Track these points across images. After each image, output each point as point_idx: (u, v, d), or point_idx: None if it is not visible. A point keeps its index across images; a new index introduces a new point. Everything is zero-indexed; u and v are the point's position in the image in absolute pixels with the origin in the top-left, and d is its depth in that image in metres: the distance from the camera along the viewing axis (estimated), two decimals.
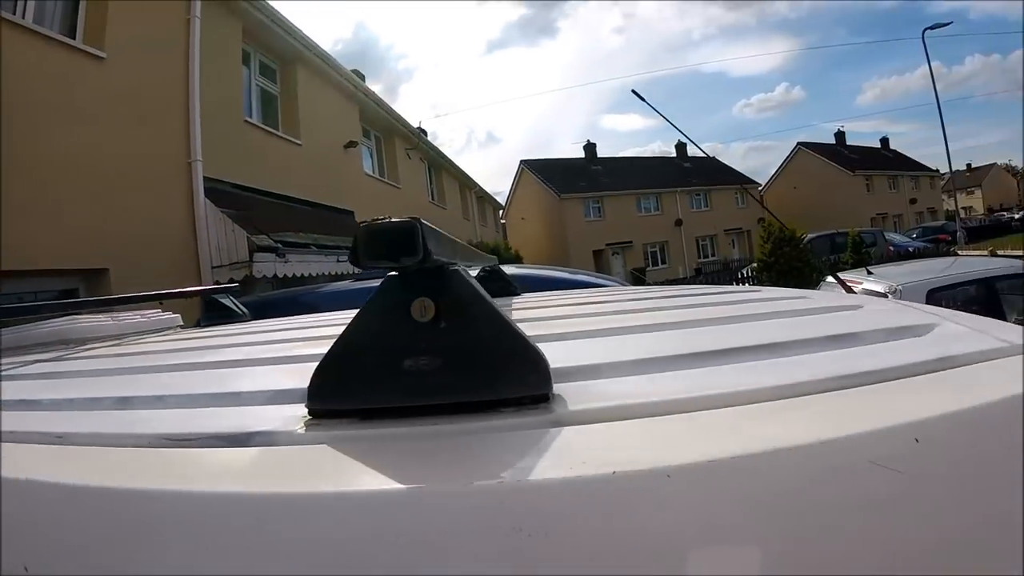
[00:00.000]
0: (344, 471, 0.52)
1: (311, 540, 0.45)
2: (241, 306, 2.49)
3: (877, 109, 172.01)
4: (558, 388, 0.62)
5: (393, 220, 0.54)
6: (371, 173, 17.87)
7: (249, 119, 11.70)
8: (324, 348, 0.62)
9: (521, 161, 49.85)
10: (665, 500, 0.45)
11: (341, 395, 0.61)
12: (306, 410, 0.62)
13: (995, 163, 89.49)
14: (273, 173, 11.73)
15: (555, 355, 0.67)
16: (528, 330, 0.64)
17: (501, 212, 45.81)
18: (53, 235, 6.78)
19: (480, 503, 0.46)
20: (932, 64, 32.26)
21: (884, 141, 62.88)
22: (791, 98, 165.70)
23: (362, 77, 19.50)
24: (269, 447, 0.58)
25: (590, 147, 51.55)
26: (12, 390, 0.98)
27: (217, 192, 9.58)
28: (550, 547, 0.43)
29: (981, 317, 0.98)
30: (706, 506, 0.45)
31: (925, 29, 31.14)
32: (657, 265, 45.56)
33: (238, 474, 0.55)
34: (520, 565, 0.43)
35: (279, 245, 9.31)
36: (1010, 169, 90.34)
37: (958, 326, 0.86)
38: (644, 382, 0.67)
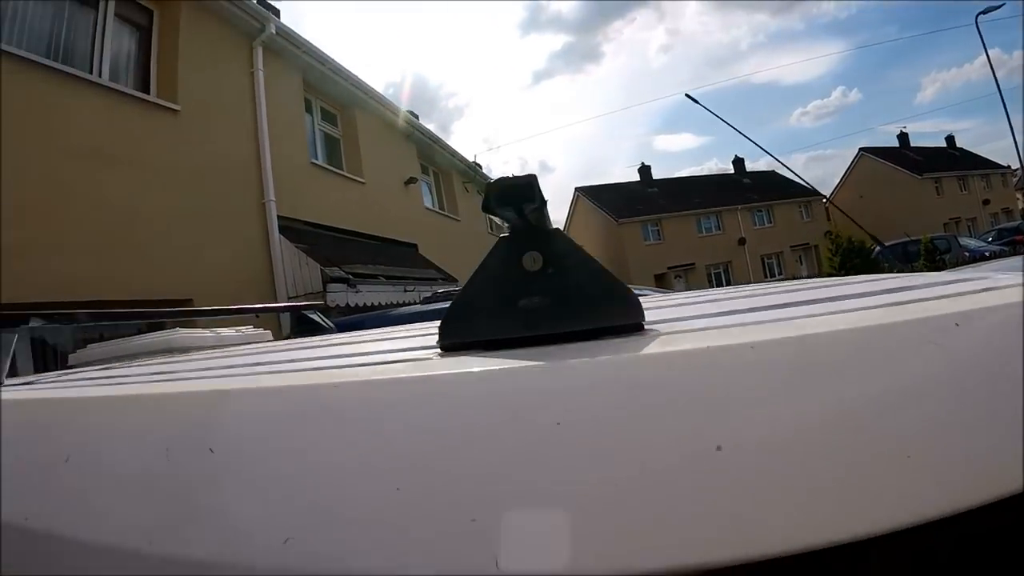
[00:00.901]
0: (460, 364, 0.61)
1: (431, 405, 0.55)
2: (328, 321, 2.64)
3: (938, 105, 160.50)
4: (653, 327, 0.72)
5: (516, 176, 0.65)
6: (431, 207, 18.15)
7: (315, 161, 12.06)
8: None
9: (576, 188, 49.53)
10: (746, 365, 0.54)
11: (467, 331, 0.72)
12: (439, 348, 0.75)
13: None
14: (340, 210, 12.05)
15: (654, 315, 0.84)
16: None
17: None
18: (144, 271, 7.15)
19: (596, 370, 0.55)
20: (990, 51, 29.89)
21: (950, 140, 57.53)
22: (848, 102, 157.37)
23: (416, 117, 19.94)
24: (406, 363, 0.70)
25: (645, 169, 50.65)
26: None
27: (290, 229, 9.93)
28: (654, 397, 0.52)
29: None
30: (776, 372, 0.53)
31: (978, 14, 28.38)
32: (722, 286, 43.58)
33: (380, 371, 0.67)
34: (624, 409, 0.51)
35: (350, 276, 9.58)
36: None
37: (1007, 275, 0.93)
38: (717, 321, 0.77)
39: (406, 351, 0.85)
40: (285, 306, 3.11)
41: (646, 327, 0.71)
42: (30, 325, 1.57)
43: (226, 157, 9.16)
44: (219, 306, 2.72)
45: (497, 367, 0.57)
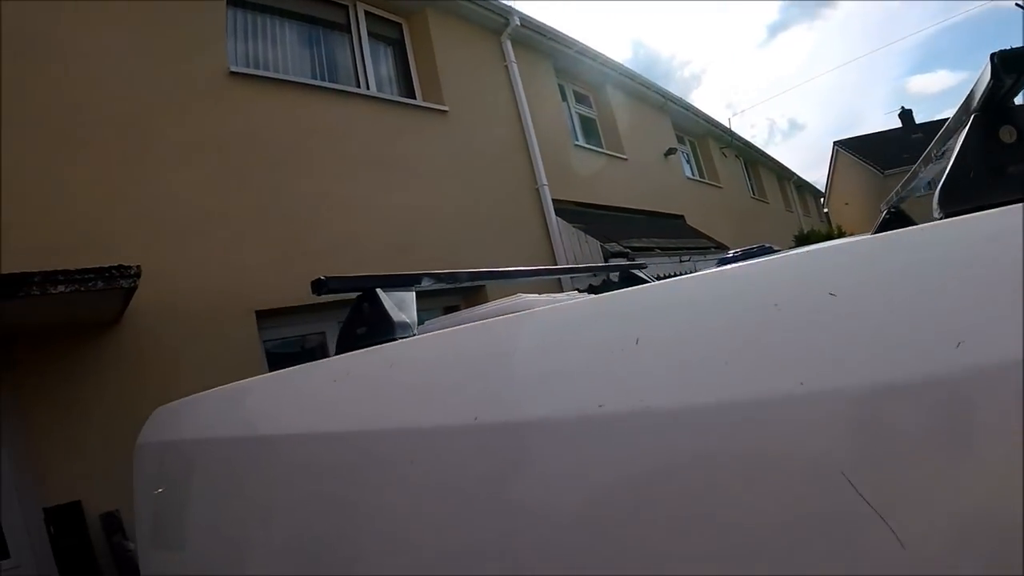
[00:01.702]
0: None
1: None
2: (650, 278, 2.61)
3: None
4: None
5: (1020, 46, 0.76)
6: (692, 176, 17.30)
7: (577, 143, 11.86)
8: None
9: (834, 143, 45.18)
10: None
11: (964, 200, 0.78)
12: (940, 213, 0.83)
13: None
14: (606, 188, 11.77)
15: None
16: None
17: (822, 200, 42.22)
18: (434, 263, 7.17)
19: None
20: None
21: None
22: None
23: None
24: None
25: (906, 114, 44.62)
26: None
27: (563, 211, 9.77)
28: None
29: None
30: None
31: None
32: None
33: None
34: None
35: (628, 250, 9.23)
36: None
37: None
38: None
39: None
40: (614, 265, 3.30)
41: None
42: (422, 285, 1.62)
43: (497, 149, 9.18)
44: (510, 289, 2.69)
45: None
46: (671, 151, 15.44)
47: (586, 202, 10.82)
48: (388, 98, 7.89)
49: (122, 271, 4.20)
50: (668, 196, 14.29)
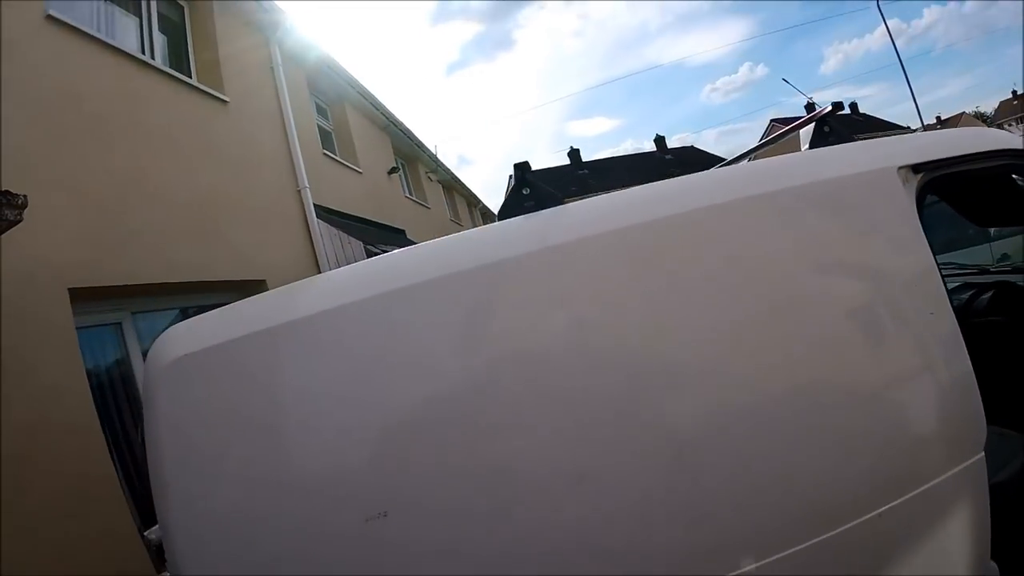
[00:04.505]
0: None
1: None
2: None
3: (842, 76, 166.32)
4: None
5: None
6: (408, 196, 18.39)
7: (326, 152, 12.21)
8: None
9: (511, 176, 49.47)
10: None
11: None
12: None
13: (964, 112, 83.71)
14: (349, 198, 12.30)
15: None
16: None
17: None
18: (222, 254, 7.34)
19: None
20: (890, 21, 31.17)
21: (853, 106, 58.10)
22: (756, 76, 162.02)
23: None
24: None
25: (574, 153, 52.59)
26: None
27: (319, 215, 10.04)
28: None
29: None
30: None
31: None
32: None
33: None
34: None
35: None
36: (979, 115, 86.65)
37: None
38: None
39: None
40: None
41: None
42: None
43: (267, 148, 9.39)
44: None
45: None
46: (393, 170, 16.35)
47: (333, 208, 11.18)
48: (190, 82, 7.90)
49: (8, 199, 3.59)
50: (393, 211, 15.15)
